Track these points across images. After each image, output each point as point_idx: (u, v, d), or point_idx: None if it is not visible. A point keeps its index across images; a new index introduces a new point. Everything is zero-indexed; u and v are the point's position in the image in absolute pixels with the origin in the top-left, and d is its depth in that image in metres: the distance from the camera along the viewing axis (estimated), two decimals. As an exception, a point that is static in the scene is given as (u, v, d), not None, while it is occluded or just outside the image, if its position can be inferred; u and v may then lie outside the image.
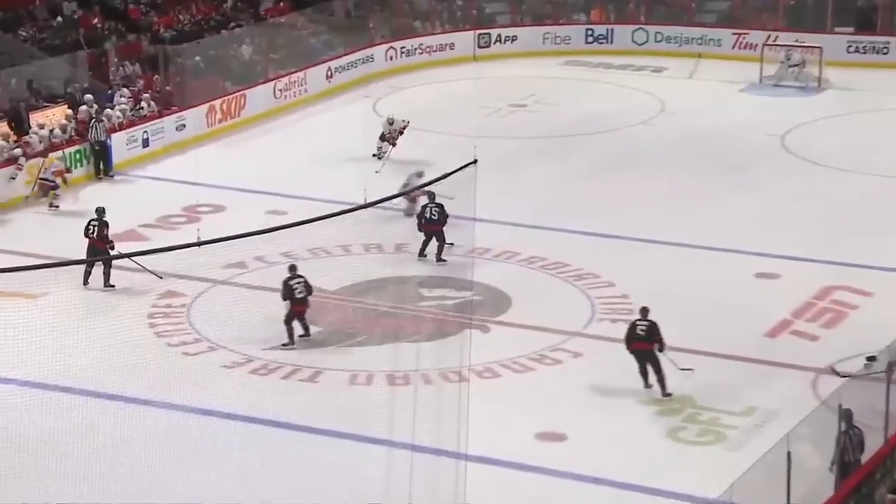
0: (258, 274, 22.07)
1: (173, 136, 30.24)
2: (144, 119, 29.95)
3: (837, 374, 18.32)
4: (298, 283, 19.62)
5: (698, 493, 15.18)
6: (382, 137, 28.05)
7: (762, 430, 17.28)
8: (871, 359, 17.40)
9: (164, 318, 20.95)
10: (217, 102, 31.59)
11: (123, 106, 29.84)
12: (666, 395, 18.21)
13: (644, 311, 18.59)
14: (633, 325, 18.62)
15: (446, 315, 21.11)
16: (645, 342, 18.27)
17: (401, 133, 28.06)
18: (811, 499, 14.43)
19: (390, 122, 28.18)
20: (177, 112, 30.74)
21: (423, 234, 22.83)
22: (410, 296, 21.78)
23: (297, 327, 19.93)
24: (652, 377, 18.29)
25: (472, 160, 15.68)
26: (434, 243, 22.85)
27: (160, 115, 30.27)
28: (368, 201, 15.21)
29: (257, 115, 32.40)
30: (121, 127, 29.18)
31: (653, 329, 18.28)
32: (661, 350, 18.26)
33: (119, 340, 19.71)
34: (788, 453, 13.85)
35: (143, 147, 29.57)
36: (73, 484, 15.84)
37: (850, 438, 15.02)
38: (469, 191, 16.43)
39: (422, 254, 22.80)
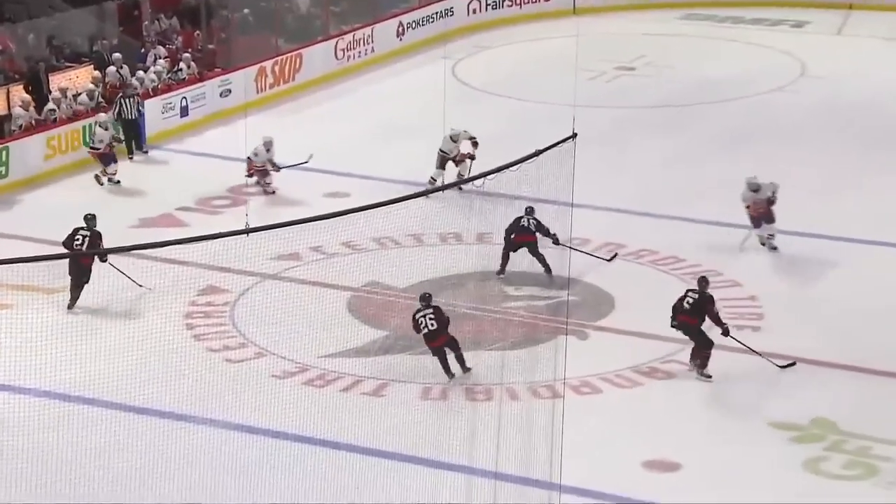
0: (315, 266, 22.28)
1: (216, 104, 30.63)
2: (183, 83, 30.35)
3: None
4: (425, 315, 19.18)
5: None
6: (442, 161, 25.43)
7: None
8: None
9: (204, 319, 21.25)
10: (268, 64, 31.94)
11: (159, 68, 30.27)
12: (705, 375, 18.99)
13: (701, 281, 19.34)
14: (682, 296, 19.28)
15: (537, 318, 21.16)
16: (689, 316, 18.86)
17: (470, 156, 25.43)
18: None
19: (453, 139, 25.30)
20: (221, 75, 31.12)
21: (508, 249, 22.39)
22: (494, 295, 21.87)
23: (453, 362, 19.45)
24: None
25: (569, 134, 15.70)
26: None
27: (201, 79, 30.68)
28: (446, 182, 15.34)
29: (315, 79, 32.74)
30: (155, 92, 29.59)
31: (701, 303, 18.90)
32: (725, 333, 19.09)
33: (151, 345, 20.05)
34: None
35: (182, 116, 29.99)
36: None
37: None
38: (566, 170, 16.48)
39: (502, 272, 22.52)
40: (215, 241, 13.07)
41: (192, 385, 19.08)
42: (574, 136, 15.72)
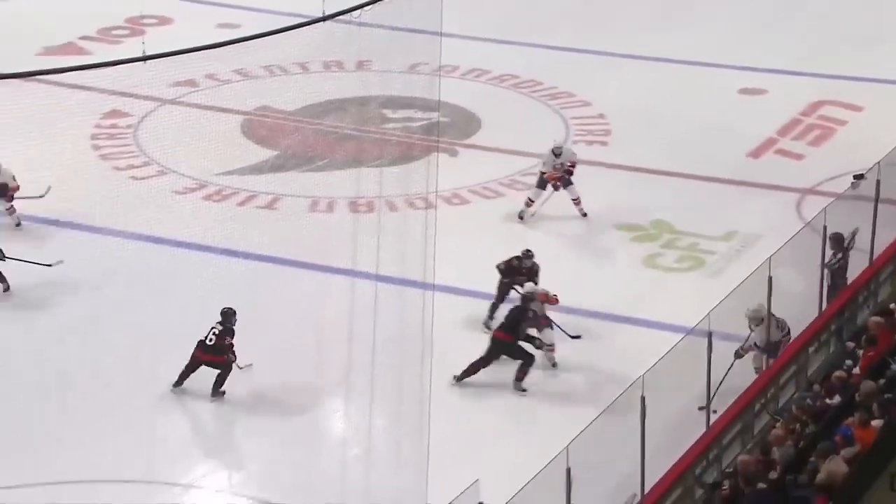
0: (209, 93, 21.84)
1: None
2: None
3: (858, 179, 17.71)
4: (213, 328, 14.98)
5: (676, 322, 15.43)
6: (542, 182, 18.85)
7: (743, 255, 17.51)
8: (858, 177, 17.47)
9: (109, 140, 20.81)
10: None
11: None
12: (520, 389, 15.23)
13: (525, 297, 15.74)
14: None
15: (412, 137, 21.05)
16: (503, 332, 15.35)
17: (569, 172, 18.82)
18: (794, 324, 14.71)
19: (556, 154, 18.86)
20: None
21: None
22: (373, 117, 21.67)
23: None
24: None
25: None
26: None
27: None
28: (328, 13, 14.98)
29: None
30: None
31: (515, 316, 15.41)
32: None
33: (60, 163, 19.63)
34: (770, 278, 14.06)
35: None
36: (25, 305, 16.06)
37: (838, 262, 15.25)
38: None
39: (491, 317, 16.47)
40: (115, 67, 12.66)
41: (101, 200, 18.79)
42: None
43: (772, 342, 14.39)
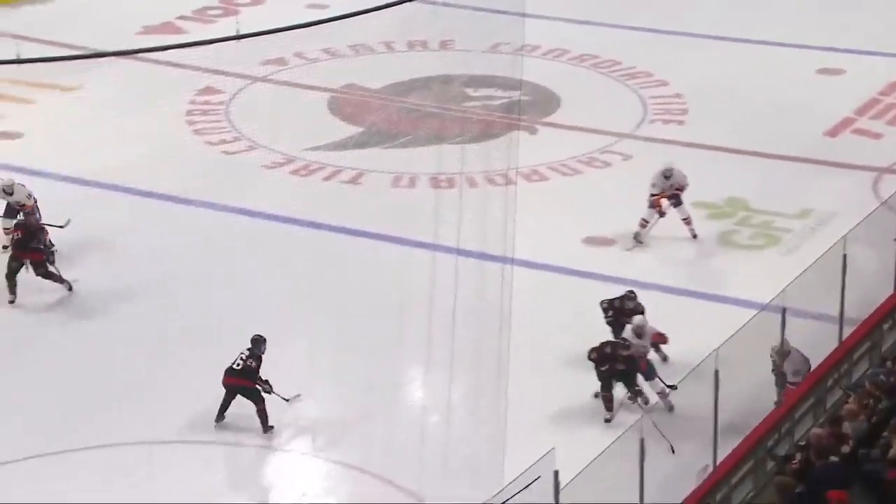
0: (298, 71, 22.10)
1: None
2: None
3: None
4: (242, 353, 14.06)
5: (750, 298, 15.38)
6: (653, 204, 17.58)
7: (818, 233, 17.38)
8: None
9: (202, 116, 21.12)
10: None
11: None
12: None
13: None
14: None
15: (493, 116, 21.12)
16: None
17: (677, 193, 17.52)
18: (865, 304, 14.60)
19: (666, 176, 17.58)
20: None
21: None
22: (455, 95, 21.77)
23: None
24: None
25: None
26: None
27: None
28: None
29: None
30: None
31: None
32: None
33: (157, 138, 20.01)
34: (844, 255, 13.98)
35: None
36: (122, 276, 16.40)
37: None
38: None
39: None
40: (210, 45, 12.89)
41: (194, 173, 19.13)
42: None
43: (785, 377, 13.53)
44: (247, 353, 13.77)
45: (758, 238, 17.64)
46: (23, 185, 16.82)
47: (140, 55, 21.07)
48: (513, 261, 16.51)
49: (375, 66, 22.46)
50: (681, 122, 20.82)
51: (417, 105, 21.53)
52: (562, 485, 10.35)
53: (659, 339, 14.48)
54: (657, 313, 14.97)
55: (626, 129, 20.66)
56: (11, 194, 16.61)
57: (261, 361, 13.78)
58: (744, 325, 13.00)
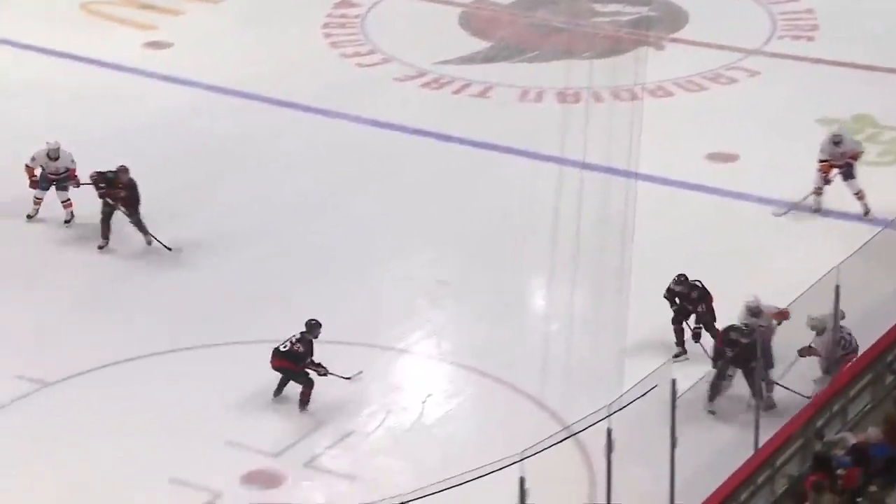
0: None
1: None
2: None
3: None
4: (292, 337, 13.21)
5: (879, 216, 15.13)
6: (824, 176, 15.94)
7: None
8: None
9: (338, 29, 21.32)
10: None
11: None
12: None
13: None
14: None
15: (620, 31, 20.95)
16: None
17: (849, 164, 15.89)
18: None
19: (836, 142, 15.92)
20: None
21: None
22: (583, 11, 21.62)
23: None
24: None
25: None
26: None
27: None
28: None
29: None
30: None
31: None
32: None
33: (296, 50, 20.27)
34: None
35: None
36: (269, 187, 16.76)
37: None
38: None
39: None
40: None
41: (329, 84, 19.37)
42: None
43: (833, 358, 12.38)
44: (298, 335, 12.98)
45: (886, 155, 17.29)
46: (68, 151, 15.88)
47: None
48: (637, 175, 16.49)
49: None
50: (811, 38, 20.40)
51: (546, 20, 21.44)
52: (679, 393, 10.45)
53: (780, 317, 12.72)
54: (780, 230, 14.86)
55: (755, 45, 20.33)
56: (57, 158, 15.78)
57: (311, 346, 12.91)
58: (868, 241, 12.84)
